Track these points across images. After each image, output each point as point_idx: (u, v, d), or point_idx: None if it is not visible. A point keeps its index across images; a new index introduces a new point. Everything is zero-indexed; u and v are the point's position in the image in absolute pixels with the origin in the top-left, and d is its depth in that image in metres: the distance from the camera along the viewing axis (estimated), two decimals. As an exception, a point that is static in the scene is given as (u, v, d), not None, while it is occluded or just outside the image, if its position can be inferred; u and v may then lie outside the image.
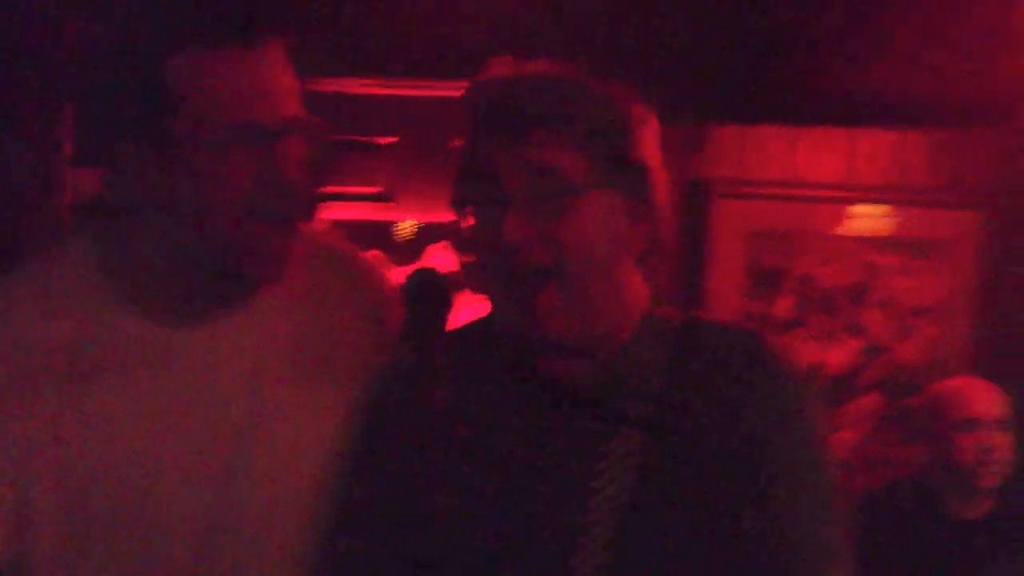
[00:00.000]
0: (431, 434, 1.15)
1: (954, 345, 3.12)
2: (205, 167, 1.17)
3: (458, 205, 1.18)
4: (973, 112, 3.01)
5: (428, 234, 3.71)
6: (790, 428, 1.15)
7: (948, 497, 2.65)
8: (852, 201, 3.19)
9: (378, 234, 3.93)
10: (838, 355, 3.15)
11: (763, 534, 1.12)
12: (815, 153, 3.20)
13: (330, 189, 3.14)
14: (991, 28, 2.98)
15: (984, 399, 2.64)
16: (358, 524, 1.21)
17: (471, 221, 1.16)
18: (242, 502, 1.24)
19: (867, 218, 3.19)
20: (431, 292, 1.15)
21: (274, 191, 1.20)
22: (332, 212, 3.16)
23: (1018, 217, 3.07)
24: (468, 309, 1.24)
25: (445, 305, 1.15)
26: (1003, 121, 2.98)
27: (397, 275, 1.84)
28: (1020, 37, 2.75)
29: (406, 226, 3.98)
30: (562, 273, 1.12)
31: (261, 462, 1.25)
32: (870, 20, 3.10)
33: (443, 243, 3.39)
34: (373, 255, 2.90)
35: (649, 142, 1.19)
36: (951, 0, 3.04)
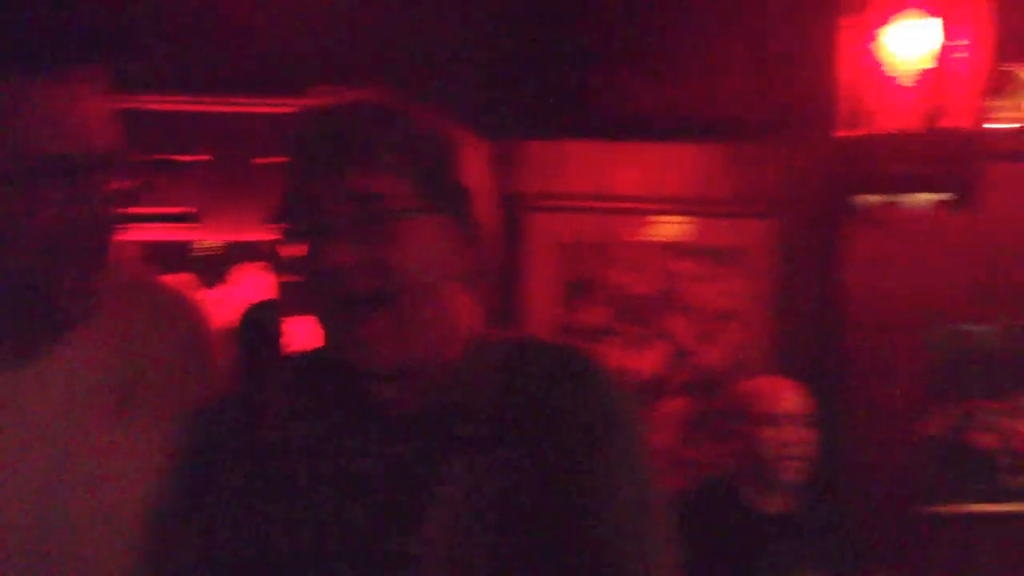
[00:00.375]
0: (261, 468, 1.14)
1: (755, 347, 3.28)
2: (7, 201, 1.11)
3: (283, 231, 1.17)
4: (765, 127, 3.19)
5: (235, 254, 3.62)
6: (617, 441, 1.18)
7: (753, 492, 2.72)
8: (657, 212, 3.33)
9: (185, 255, 3.80)
10: (649, 360, 3.27)
11: (595, 545, 1.14)
12: (621, 166, 3.32)
13: (136, 210, 3.03)
14: (781, 48, 3.17)
15: (783, 395, 2.74)
16: (182, 563, 1.17)
17: (297, 248, 1.15)
18: (60, 547, 1.18)
19: (671, 228, 3.33)
20: (267, 325, 1.14)
21: (82, 227, 1.14)
22: (137, 233, 3.05)
23: (806, 225, 3.28)
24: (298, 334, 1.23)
25: (277, 337, 1.14)
26: (792, 135, 3.17)
27: (204, 297, 1.79)
28: (807, 57, 2.92)
29: (211, 246, 3.87)
30: (389, 298, 1.13)
31: (78, 506, 1.19)
32: (670, 40, 3.24)
33: (259, 264, 3.32)
34: (183, 279, 2.81)
35: (473, 165, 1.21)
36: (746, 22, 3.22)
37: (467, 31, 3.18)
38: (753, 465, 2.73)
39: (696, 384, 3.26)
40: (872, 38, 2.45)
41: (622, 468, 1.18)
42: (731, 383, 2.96)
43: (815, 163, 3.09)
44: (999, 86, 3.24)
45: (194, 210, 3.31)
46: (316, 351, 1.21)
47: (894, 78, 2.42)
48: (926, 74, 2.41)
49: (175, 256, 3.60)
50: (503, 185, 3.12)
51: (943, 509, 3.31)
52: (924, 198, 2.59)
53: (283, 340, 1.14)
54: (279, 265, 1.19)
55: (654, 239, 3.32)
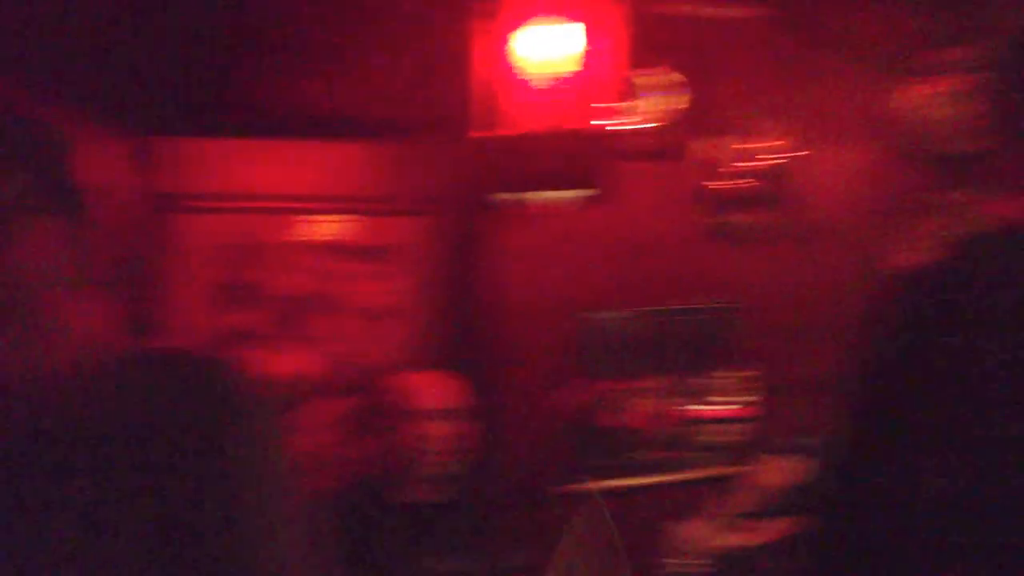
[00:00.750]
0: None
1: (413, 343, 3.34)
2: None
3: None
4: (415, 126, 3.24)
5: None
6: (254, 451, 1.15)
7: (408, 486, 2.77)
8: (312, 211, 3.30)
9: None
10: (306, 362, 3.24)
11: (228, 556, 1.10)
12: (273, 165, 3.26)
13: None
14: (426, 50, 3.23)
15: (436, 390, 2.80)
16: None
17: None
18: None
19: (327, 227, 3.32)
20: None
21: None
22: None
23: (456, 221, 3.38)
24: None
25: None
26: (439, 135, 3.24)
27: None
28: (450, 59, 2.99)
29: None
30: None
31: None
32: (322, 37, 3.21)
33: None
34: None
35: (91, 163, 1.14)
36: (391, 22, 3.25)
37: (103, 23, 2.99)
38: (408, 460, 2.77)
39: (355, 383, 3.27)
40: (505, 42, 2.55)
41: (254, 478, 1.15)
42: (387, 380, 2.98)
43: (461, 162, 3.18)
44: (631, 88, 3.49)
45: None
46: None
47: (527, 81, 2.54)
48: (558, 77, 2.54)
49: None
50: (148, 185, 3.00)
51: (579, 487, 3.52)
52: (561, 194, 2.73)
53: None
54: None
55: (309, 239, 3.29)
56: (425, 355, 3.31)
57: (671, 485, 3.65)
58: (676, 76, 3.63)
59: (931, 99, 4.05)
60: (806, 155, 3.94)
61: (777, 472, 3.46)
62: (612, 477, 3.58)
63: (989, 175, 1.54)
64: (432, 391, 2.81)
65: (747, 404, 3.83)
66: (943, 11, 4.02)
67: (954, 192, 3.98)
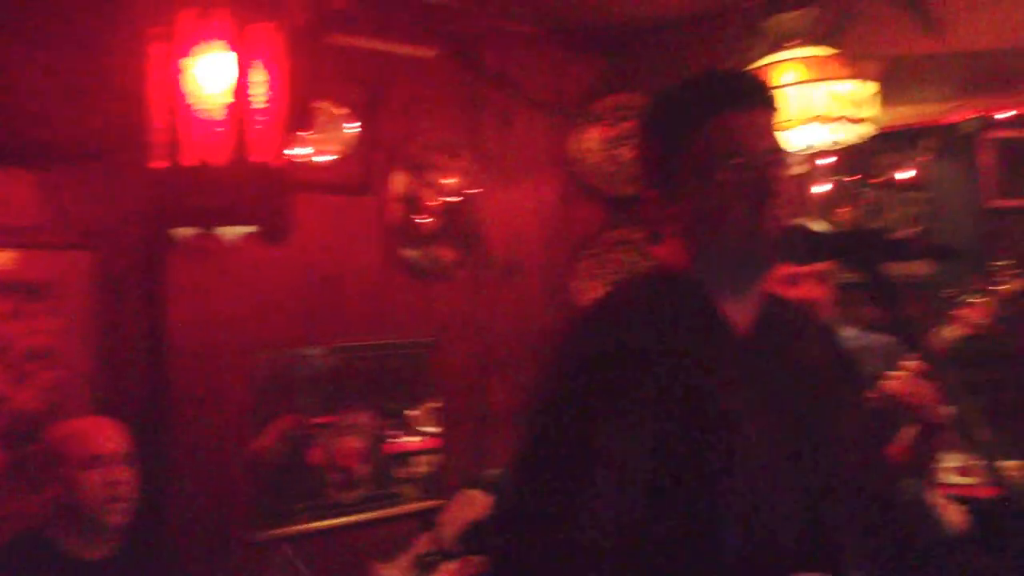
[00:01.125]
0: None
1: (74, 386, 3.06)
2: None
3: None
4: (75, 151, 3.00)
5: None
6: None
7: (74, 540, 2.59)
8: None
9: None
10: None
11: None
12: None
13: None
14: (95, 73, 3.00)
15: (103, 435, 2.65)
16: None
17: None
18: None
19: (-24, 261, 2.99)
20: None
21: None
22: None
23: (125, 256, 3.15)
24: None
25: None
26: (105, 160, 3.03)
27: None
28: (122, 83, 2.79)
29: None
30: None
31: None
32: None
33: None
34: None
35: None
36: (57, 43, 3.00)
37: None
38: (74, 512, 2.60)
39: (8, 431, 2.96)
40: (179, 68, 2.41)
41: None
42: (47, 427, 2.75)
43: (133, 193, 2.99)
44: (310, 121, 3.42)
45: None
46: None
47: (199, 110, 2.41)
48: (229, 108, 2.42)
49: None
50: None
51: (274, 532, 3.38)
52: (237, 230, 2.60)
53: None
54: None
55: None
56: (89, 399, 3.05)
57: (366, 524, 3.58)
58: (355, 110, 3.60)
59: (598, 143, 4.28)
60: (492, 193, 4.04)
61: (472, 506, 3.50)
62: (313, 520, 3.47)
63: (647, 219, 1.61)
64: (99, 437, 2.65)
65: (441, 437, 3.85)
66: (611, 62, 4.28)
67: (628, 231, 4.22)
